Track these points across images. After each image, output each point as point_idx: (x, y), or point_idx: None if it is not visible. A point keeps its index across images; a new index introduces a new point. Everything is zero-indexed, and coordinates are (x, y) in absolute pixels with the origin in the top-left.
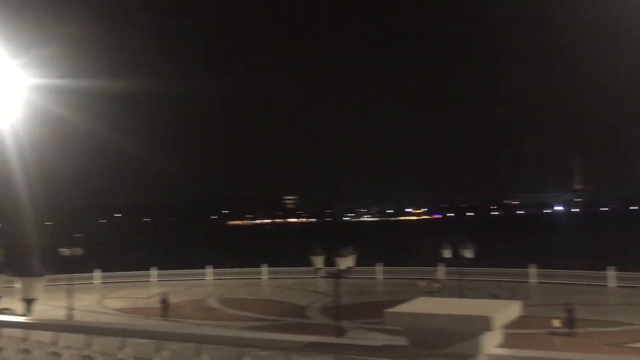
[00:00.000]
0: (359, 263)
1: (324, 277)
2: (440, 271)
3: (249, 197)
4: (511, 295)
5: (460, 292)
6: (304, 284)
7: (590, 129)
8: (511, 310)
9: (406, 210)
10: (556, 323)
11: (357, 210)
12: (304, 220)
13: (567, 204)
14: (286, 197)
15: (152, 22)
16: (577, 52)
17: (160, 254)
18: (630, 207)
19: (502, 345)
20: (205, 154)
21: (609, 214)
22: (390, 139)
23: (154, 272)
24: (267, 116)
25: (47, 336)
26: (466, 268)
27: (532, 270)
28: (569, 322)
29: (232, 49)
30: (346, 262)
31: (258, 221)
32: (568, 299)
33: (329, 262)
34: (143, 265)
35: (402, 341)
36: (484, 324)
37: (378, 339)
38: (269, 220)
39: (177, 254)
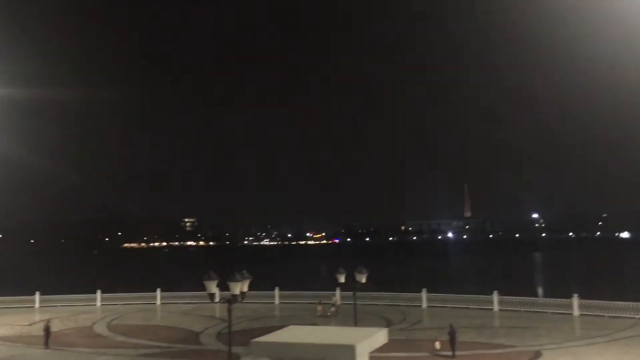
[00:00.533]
0: (257, 288)
1: (219, 303)
2: (337, 296)
3: (146, 218)
4: (402, 319)
5: (354, 316)
6: (200, 309)
7: (481, 159)
8: (377, 338)
9: (306, 234)
10: (437, 345)
11: (256, 234)
12: (202, 243)
13: (458, 231)
14: (185, 220)
15: (51, 30)
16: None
17: (46, 278)
18: (516, 235)
19: None
20: (102, 171)
21: (495, 241)
22: (291, 164)
23: (38, 297)
24: (168, 133)
25: None
26: (361, 292)
27: (424, 294)
28: (451, 344)
29: (141, 59)
30: (240, 287)
31: (154, 244)
32: (456, 322)
33: (225, 287)
34: (27, 290)
35: None
36: (347, 353)
37: None
38: (165, 244)
39: (64, 277)
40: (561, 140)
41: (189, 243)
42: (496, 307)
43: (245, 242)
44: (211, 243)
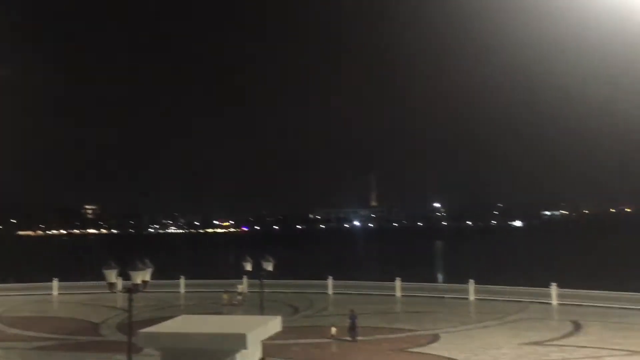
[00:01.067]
0: (162, 276)
1: (119, 292)
2: (243, 284)
3: (43, 205)
4: (309, 306)
5: (261, 304)
6: (100, 299)
7: (387, 150)
8: (270, 326)
9: (214, 222)
10: (333, 331)
11: (163, 221)
12: (104, 231)
13: (365, 219)
14: (86, 207)
15: None
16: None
17: None
18: (419, 223)
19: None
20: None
21: (399, 229)
22: (199, 149)
23: None
24: (71, 115)
25: None
26: (268, 280)
27: (330, 282)
28: (351, 330)
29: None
30: (142, 275)
31: (52, 232)
32: (360, 308)
33: (127, 276)
34: None
35: None
36: (238, 342)
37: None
38: (65, 232)
39: None
40: (461, 134)
41: (90, 231)
42: (398, 293)
43: (151, 230)
44: (114, 231)
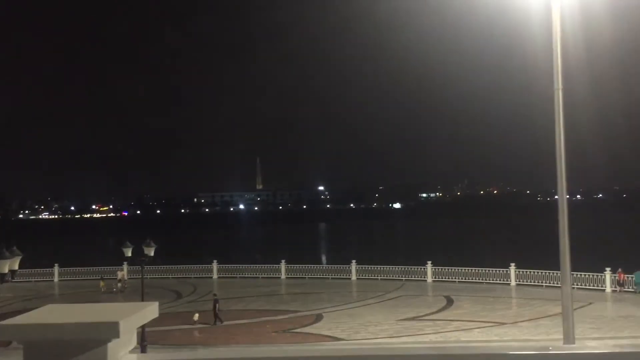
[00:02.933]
0: (35, 265)
1: None
2: (123, 270)
3: None
4: (192, 291)
5: (142, 290)
6: None
7: (273, 133)
8: (146, 312)
9: (92, 207)
10: (196, 317)
11: (34, 207)
12: None
13: (250, 203)
14: None
15: None
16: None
17: None
18: (304, 206)
19: (135, 346)
20: None
21: (284, 212)
22: (76, 129)
23: None
24: None
25: None
26: (150, 266)
27: (214, 266)
28: (214, 314)
29: None
30: (10, 264)
31: None
32: (246, 291)
33: None
34: None
35: (17, 356)
36: (110, 330)
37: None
38: None
39: None
40: (346, 120)
41: None
42: (283, 275)
43: (21, 216)
44: None
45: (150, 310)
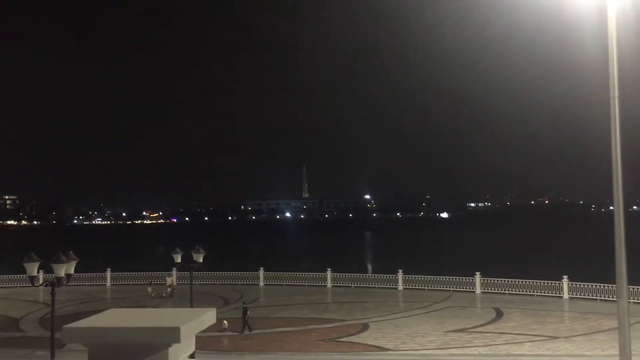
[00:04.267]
0: (87, 269)
1: (41, 286)
2: (172, 276)
3: None
4: (239, 298)
5: (191, 296)
6: (20, 293)
7: (319, 142)
8: (204, 318)
9: (142, 214)
10: (225, 324)
11: (88, 213)
12: (25, 223)
13: (296, 211)
14: (4, 197)
15: None
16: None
17: None
18: (350, 215)
19: (195, 353)
20: None
21: (330, 220)
22: (124, 141)
23: None
24: None
25: None
26: (197, 272)
27: (261, 273)
28: (243, 322)
29: None
30: (65, 268)
31: None
32: (292, 299)
33: (49, 269)
34: None
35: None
36: (171, 335)
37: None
38: None
39: None
40: (391, 129)
41: (9, 222)
42: (329, 283)
43: (75, 221)
44: (35, 222)
45: (209, 317)
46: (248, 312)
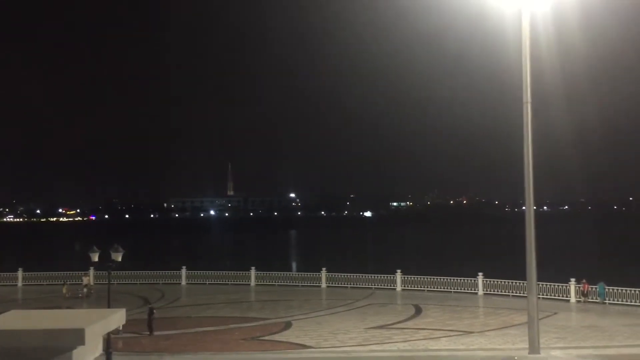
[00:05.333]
0: None
1: None
2: (89, 275)
3: None
4: (160, 297)
5: (109, 296)
6: None
7: (244, 140)
8: (113, 319)
9: (58, 211)
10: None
11: None
12: None
13: (221, 209)
14: None
15: None
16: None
17: None
18: (275, 213)
19: (101, 353)
20: None
21: (255, 219)
22: (43, 132)
23: None
24: None
25: None
26: (116, 271)
27: (183, 272)
28: (149, 324)
29: None
30: None
31: None
32: (214, 298)
33: None
34: None
35: None
36: (76, 337)
37: None
38: None
39: None
40: (319, 128)
41: None
42: (253, 282)
43: None
44: None
45: (117, 317)
46: (154, 312)
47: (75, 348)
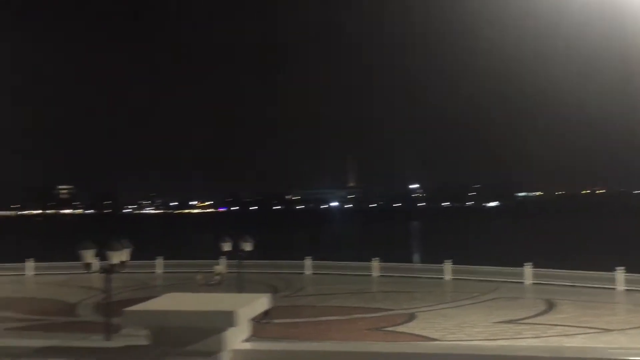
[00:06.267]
0: (138, 257)
1: (95, 272)
2: (221, 264)
3: (14, 185)
4: (286, 286)
5: (239, 284)
6: (76, 280)
7: (365, 131)
8: (259, 303)
9: (191, 203)
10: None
11: (139, 202)
12: (80, 211)
13: (342, 200)
14: (60, 187)
15: None
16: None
17: None
18: (396, 204)
19: (250, 338)
20: None
21: (377, 210)
22: (177, 131)
23: None
24: (37, 97)
25: None
26: (246, 261)
27: (307, 262)
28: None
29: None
30: (120, 256)
31: (26, 212)
32: (337, 288)
33: (104, 256)
34: None
35: (144, 340)
36: (227, 319)
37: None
38: (39, 212)
39: None
40: (442, 117)
41: (65, 211)
42: (376, 273)
43: (128, 210)
44: (89, 211)
45: (263, 302)
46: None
47: (225, 330)
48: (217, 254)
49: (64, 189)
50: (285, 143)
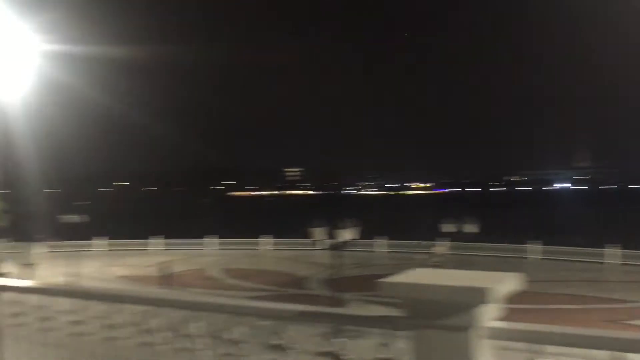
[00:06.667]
0: (362, 236)
1: (323, 249)
2: (442, 245)
3: (250, 168)
4: (513, 270)
5: (461, 266)
6: (305, 255)
7: (591, 109)
8: (510, 282)
9: (409, 184)
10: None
11: (361, 183)
12: (308, 192)
13: (569, 181)
14: (289, 169)
15: None
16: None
17: (162, 223)
18: (629, 186)
19: (501, 319)
20: (206, 125)
21: (607, 192)
22: (397, 115)
23: (155, 241)
24: (270, 87)
25: (64, 304)
26: (466, 243)
27: (534, 246)
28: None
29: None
30: (347, 234)
31: (259, 192)
32: (566, 275)
33: (331, 235)
34: (143, 234)
35: (398, 312)
36: (480, 295)
37: (378, 311)
38: (272, 192)
39: (178, 223)
40: None
41: (294, 192)
42: (611, 260)
43: (351, 191)
44: (316, 192)
45: (514, 281)
46: None
47: (477, 306)
48: (437, 235)
49: (293, 171)
50: (508, 123)
